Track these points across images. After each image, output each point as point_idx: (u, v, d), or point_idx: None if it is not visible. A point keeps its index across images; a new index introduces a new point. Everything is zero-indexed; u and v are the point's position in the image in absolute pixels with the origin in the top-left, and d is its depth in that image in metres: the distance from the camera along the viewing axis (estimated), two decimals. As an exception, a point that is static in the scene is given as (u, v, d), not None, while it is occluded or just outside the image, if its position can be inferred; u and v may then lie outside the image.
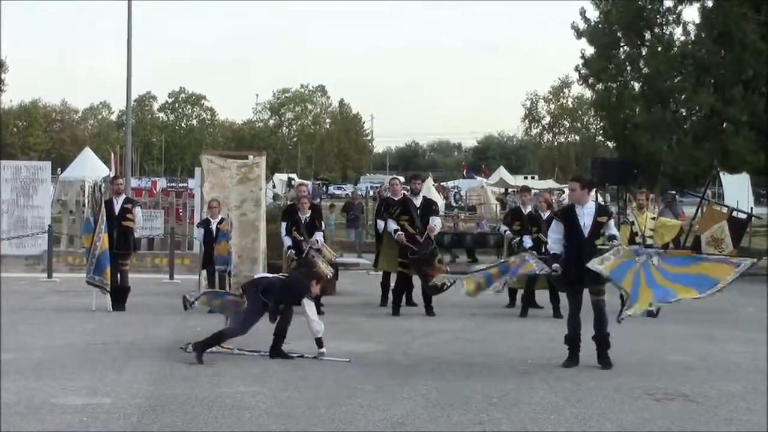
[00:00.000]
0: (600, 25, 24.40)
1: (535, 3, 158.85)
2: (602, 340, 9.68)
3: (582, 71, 25.24)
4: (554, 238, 9.89)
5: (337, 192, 77.00)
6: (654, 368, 9.66)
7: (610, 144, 28.32)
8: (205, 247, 13.82)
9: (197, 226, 13.93)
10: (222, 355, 9.91)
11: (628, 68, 24.42)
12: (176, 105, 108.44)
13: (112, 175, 22.67)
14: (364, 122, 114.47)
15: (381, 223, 14.01)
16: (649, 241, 13.95)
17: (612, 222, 9.99)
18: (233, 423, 7.21)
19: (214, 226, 13.72)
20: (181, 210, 23.69)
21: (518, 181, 52.99)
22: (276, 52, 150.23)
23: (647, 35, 23.99)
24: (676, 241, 17.01)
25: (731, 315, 14.26)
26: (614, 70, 24.27)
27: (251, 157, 16.14)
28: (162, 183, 46.67)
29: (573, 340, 9.70)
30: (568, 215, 9.82)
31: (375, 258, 14.64)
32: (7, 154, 58.07)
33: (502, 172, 57.99)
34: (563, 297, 13.08)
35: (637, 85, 24.39)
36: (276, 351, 9.92)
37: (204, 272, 14.12)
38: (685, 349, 10.90)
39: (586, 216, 9.69)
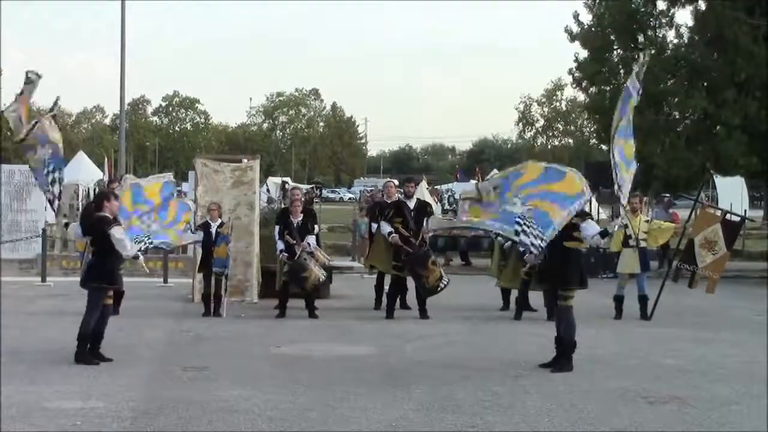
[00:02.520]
0: (593, 28, 24.45)
1: (528, 6, 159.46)
2: (564, 345, 9.68)
3: (575, 74, 25.28)
4: None
5: (331, 195, 76.95)
6: (647, 371, 9.68)
7: (603, 147, 28.33)
8: (204, 250, 13.77)
9: (197, 229, 13.94)
10: (215, 358, 9.91)
11: (622, 71, 24.45)
12: (170, 108, 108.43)
13: (106, 179, 22.68)
14: (358, 125, 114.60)
15: (375, 227, 14.04)
16: (642, 244, 13.99)
17: (585, 223, 9.71)
18: (227, 426, 7.22)
19: (213, 230, 13.70)
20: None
21: (512, 184, 52.92)
22: (270, 55, 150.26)
23: (640, 38, 24.03)
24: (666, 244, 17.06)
25: (723, 318, 14.31)
26: (607, 73, 24.32)
27: (245, 160, 16.16)
28: (156, 186, 46.51)
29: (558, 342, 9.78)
30: None
31: (365, 259, 14.71)
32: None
33: (496, 176, 57.89)
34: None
35: (630, 88, 24.43)
36: (94, 353, 9.72)
37: (200, 275, 14.11)
38: (678, 352, 10.92)
39: None
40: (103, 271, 9.73)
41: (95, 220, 9.82)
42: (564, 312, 9.73)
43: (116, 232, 9.62)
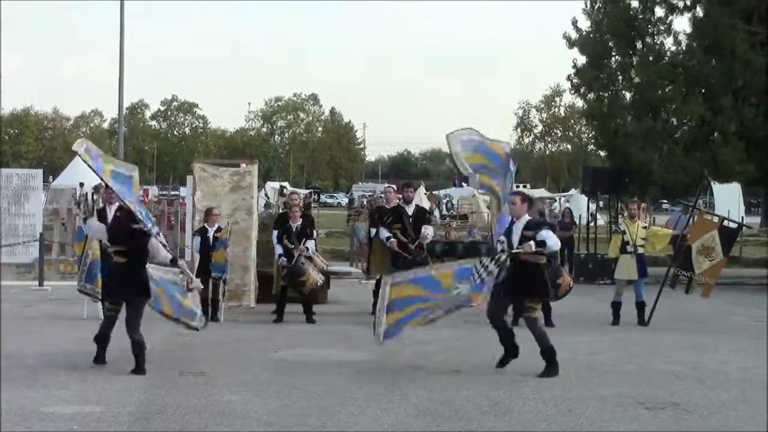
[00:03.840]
0: (591, 35, 24.52)
1: (527, 12, 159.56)
2: (543, 355, 9.68)
3: (574, 80, 25.34)
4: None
5: (329, 200, 76.97)
6: (644, 377, 9.69)
7: (601, 153, 28.42)
8: (201, 255, 13.74)
9: (194, 235, 13.90)
10: (212, 363, 9.91)
11: (620, 78, 24.53)
12: (168, 113, 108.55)
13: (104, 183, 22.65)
14: (356, 130, 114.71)
15: (374, 232, 14.07)
16: (640, 250, 13.99)
17: (544, 231, 9.63)
18: (224, 431, 7.22)
19: (211, 235, 13.68)
20: (172, 218, 23.66)
21: (510, 189, 52.92)
22: (268, 60, 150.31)
23: (638, 45, 24.11)
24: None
25: (721, 324, 14.31)
26: (606, 79, 24.38)
27: (243, 165, 16.15)
28: (154, 191, 46.60)
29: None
30: (507, 230, 9.95)
31: (366, 266, 14.64)
32: (-1, 162, 57.95)
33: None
34: (555, 305, 13.13)
35: (628, 95, 24.51)
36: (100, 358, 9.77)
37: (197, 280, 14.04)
38: (675, 358, 10.93)
39: (516, 231, 9.77)
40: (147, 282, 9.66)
41: (135, 231, 9.54)
42: (529, 324, 9.79)
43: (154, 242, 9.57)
